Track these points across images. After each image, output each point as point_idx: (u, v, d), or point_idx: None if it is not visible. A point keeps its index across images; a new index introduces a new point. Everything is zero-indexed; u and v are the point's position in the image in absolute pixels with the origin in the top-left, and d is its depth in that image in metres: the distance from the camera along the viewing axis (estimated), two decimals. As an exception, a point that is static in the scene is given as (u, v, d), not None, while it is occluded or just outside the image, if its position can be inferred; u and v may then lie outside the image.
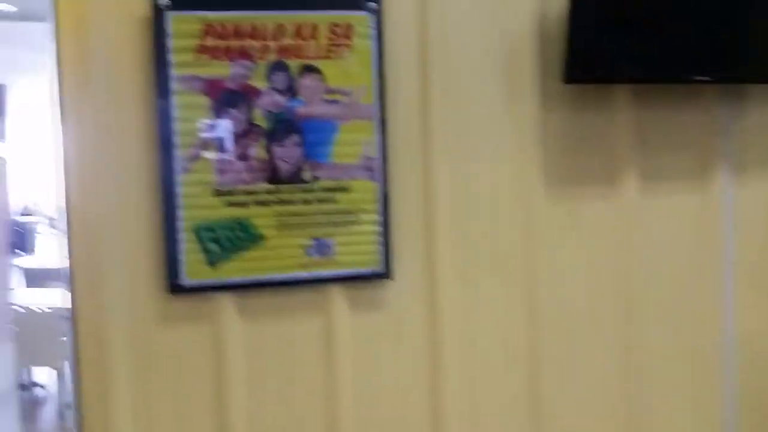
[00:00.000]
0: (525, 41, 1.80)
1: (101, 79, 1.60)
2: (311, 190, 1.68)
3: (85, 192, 1.61)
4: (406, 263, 1.76)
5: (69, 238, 1.62)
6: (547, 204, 1.84)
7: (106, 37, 1.60)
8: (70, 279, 1.62)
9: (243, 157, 1.65)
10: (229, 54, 1.63)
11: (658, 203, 1.91)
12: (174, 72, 1.60)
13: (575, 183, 1.86)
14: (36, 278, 5.29)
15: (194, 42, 1.61)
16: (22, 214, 10.65)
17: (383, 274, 1.73)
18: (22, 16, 5.15)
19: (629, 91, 1.86)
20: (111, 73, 1.61)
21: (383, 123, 1.70)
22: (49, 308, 3.85)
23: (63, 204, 1.62)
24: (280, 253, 1.67)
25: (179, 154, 1.61)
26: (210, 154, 1.63)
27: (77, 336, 1.62)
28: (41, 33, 1.64)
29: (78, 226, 1.61)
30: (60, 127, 1.61)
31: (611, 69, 1.75)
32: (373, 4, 1.68)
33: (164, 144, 1.61)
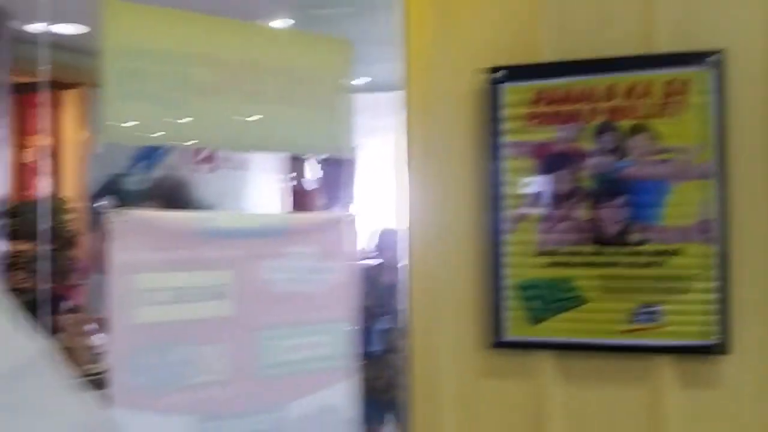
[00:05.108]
0: None
1: (441, 144, 1.79)
2: (639, 253, 1.62)
3: (424, 245, 1.78)
4: (745, 336, 1.57)
5: (409, 289, 1.80)
6: None
7: (447, 106, 1.78)
8: (407, 330, 1.79)
9: (567, 218, 1.66)
10: (559, 118, 1.67)
11: None
12: (505, 139, 1.70)
13: None
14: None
15: (525, 110, 1.69)
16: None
17: (719, 347, 1.57)
18: (371, 88, 5.91)
19: None
20: (449, 139, 1.78)
21: (723, 182, 1.57)
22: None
23: (406, 257, 1.82)
24: (604, 317, 1.64)
25: (505, 214, 1.70)
26: (535, 215, 1.68)
27: (413, 380, 1.77)
28: (386, 102, 1.89)
29: (417, 280, 1.79)
30: (406, 183, 1.82)
31: None
32: (713, 58, 1.58)
33: (493, 205, 1.71)
